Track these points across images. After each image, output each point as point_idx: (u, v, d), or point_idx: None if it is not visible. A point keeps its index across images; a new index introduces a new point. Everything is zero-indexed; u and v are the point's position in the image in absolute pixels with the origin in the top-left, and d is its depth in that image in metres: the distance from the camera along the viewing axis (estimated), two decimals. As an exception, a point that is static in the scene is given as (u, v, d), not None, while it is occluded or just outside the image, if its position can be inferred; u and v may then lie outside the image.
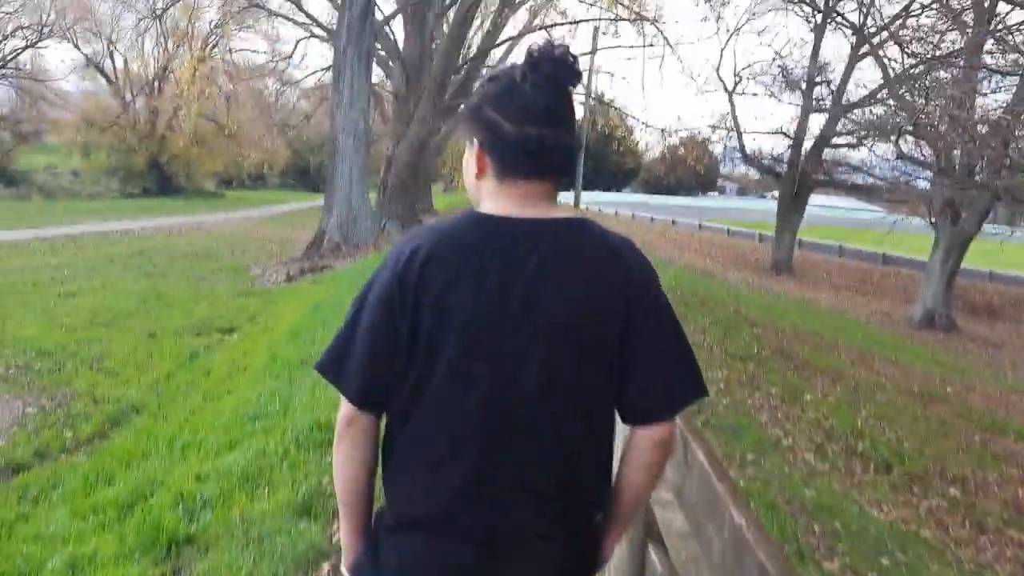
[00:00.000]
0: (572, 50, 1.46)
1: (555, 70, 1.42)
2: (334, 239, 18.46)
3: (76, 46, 39.27)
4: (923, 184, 22.03)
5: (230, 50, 35.56)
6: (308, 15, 22.67)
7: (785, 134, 23.78)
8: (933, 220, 18.10)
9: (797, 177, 23.50)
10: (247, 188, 50.78)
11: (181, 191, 40.79)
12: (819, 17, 23.10)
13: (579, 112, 28.21)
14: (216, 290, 14.47)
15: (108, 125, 38.42)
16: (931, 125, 18.07)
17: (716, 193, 67.37)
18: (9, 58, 40.83)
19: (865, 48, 22.32)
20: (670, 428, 1.48)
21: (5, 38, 40.16)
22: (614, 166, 57.12)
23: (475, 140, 1.48)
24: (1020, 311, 21.16)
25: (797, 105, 24.53)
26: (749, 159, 24.41)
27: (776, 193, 61.74)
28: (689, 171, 29.02)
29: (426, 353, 1.38)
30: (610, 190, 58.41)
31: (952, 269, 17.99)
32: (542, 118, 1.42)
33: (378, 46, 24.11)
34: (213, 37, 34.65)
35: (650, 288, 1.46)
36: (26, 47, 39.95)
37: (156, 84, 38.54)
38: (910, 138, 22.00)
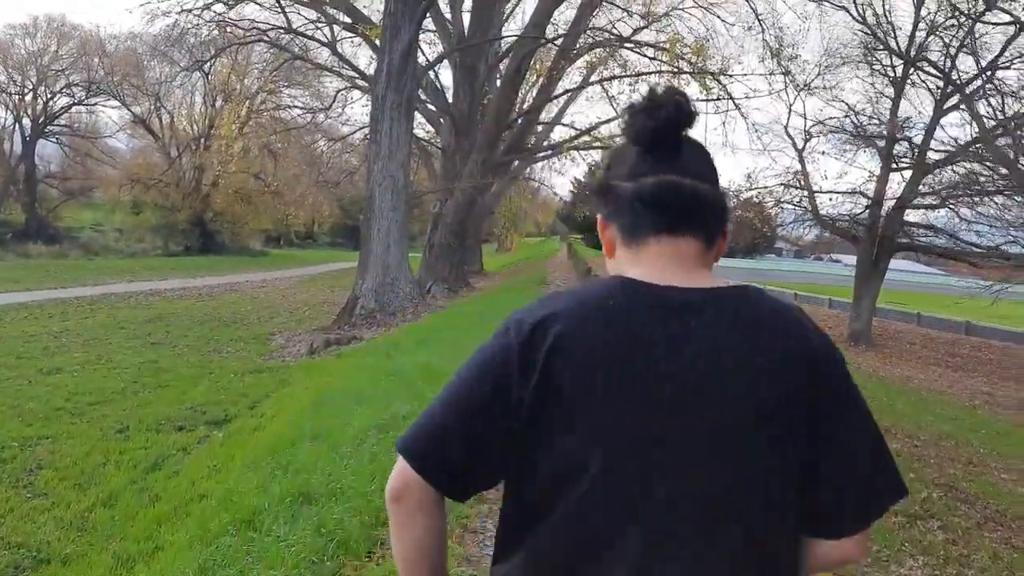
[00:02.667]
0: (684, 93, 1.25)
1: (662, 114, 1.21)
2: (368, 306, 16.75)
3: (124, 103, 38.90)
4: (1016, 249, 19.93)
5: (276, 106, 34.84)
6: (348, 63, 21.36)
7: (863, 194, 21.73)
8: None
9: (877, 240, 21.36)
10: (295, 247, 49.94)
11: (225, 250, 39.87)
12: (900, 69, 21.23)
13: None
14: (226, 365, 12.73)
15: (153, 182, 37.75)
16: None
17: (773, 255, 64.88)
18: (57, 114, 40.77)
19: (953, 100, 20.37)
20: (864, 541, 1.19)
21: (54, 96, 40.17)
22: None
23: (600, 216, 1.29)
24: None
25: (874, 156, 22.58)
26: (823, 221, 22.30)
27: (834, 255, 59.34)
28: (756, 233, 26.94)
29: (554, 450, 1.10)
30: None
31: (1071, 347, 15.62)
32: (660, 165, 1.21)
33: (424, 97, 22.83)
34: (260, 93, 34.00)
35: (841, 367, 1.17)
36: (73, 104, 39.83)
37: (202, 141, 37.81)
38: (998, 199, 19.96)
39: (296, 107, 31.07)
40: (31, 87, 40.03)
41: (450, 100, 22.30)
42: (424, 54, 21.96)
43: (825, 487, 1.14)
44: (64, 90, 40.39)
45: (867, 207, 21.83)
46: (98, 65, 38.33)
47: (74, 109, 41.86)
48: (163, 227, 38.94)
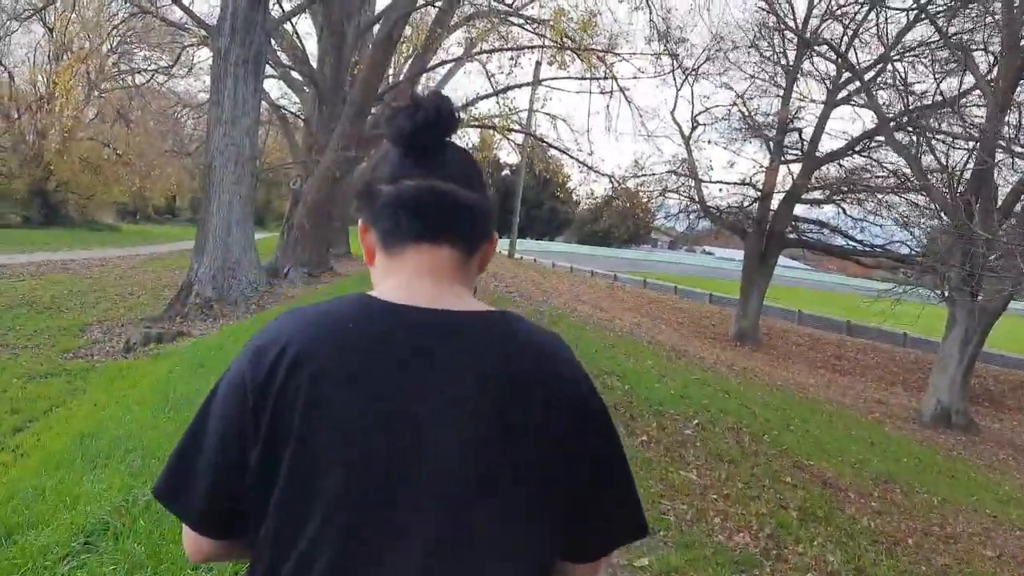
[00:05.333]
0: (447, 97, 1.15)
1: (420, 116, 1.11)
2: (204, 294, 13.68)
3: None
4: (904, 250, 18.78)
5: (130, 70, 30.41)
6: (189, 12, 17.87)
7: (752, 185, 19.99)
8: (948, 293, 14.25)
9: (766, 235, 19.67)
10: (153, 222, 44.86)
11: (72, 223, 34.88)
12: (793, 55, 19.54)
13: (515, 155, 24.00)
14: (14, 365, 9.99)
15: (-14, 147, 32.51)
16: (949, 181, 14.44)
17: (648, 246, 63.73)
18: None
19: (846, 92, 18.83)
20: (599, 567, 1.17)
21: None
22: (548, 214, 53.00)
23: (360, 220, 1.20)
24: (1021, 397, 17.56)
25: (762, 147, 21.03)
26: (710, 212, 20.45)
27: (706, 248, 58.90)
28: (638, 223, 24.99)
29: (289, 491, 0.99)
30: (543, 238, 54.17)
31: (973, 355, 14.15)
32: (421, 169, 1.12)
33: (285, 59, 19.64)
34: (111, 54, 29.62)
35: (590, 406, 1.08)
36: None
37: (45, 103, 32.65)
38: (893, 198, 18.62)
39: (147, 70, 26.79)
40: None
41: (315, 66, 19.16)
42: (281, 6, 18.72)
43: (579, 524, 1.08)
44: None
45: (756, 199, 20.15)
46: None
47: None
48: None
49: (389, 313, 1.03)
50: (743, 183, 19.94)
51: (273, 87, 22.42)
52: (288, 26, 19.06)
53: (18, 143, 32.74)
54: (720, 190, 20.28)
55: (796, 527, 4.55)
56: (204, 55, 22.16)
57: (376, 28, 19.29)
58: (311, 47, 20.26)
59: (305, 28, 20.74)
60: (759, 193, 19.85)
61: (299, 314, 1.07)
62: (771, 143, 20.28)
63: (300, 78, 20.70)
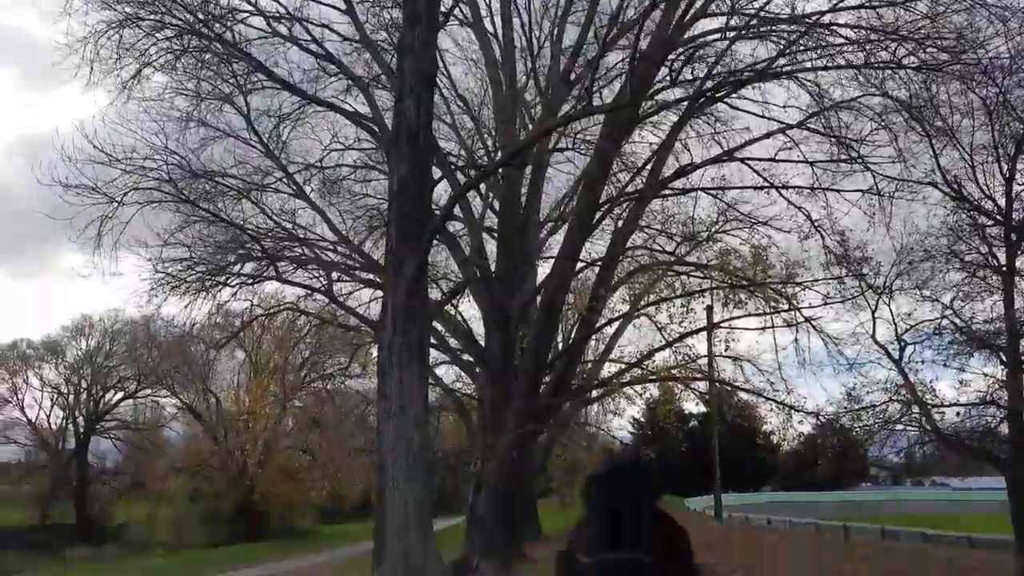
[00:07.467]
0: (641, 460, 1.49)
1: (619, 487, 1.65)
2: (387, 608, 11.86)
3: (173, 392, 36.13)
4: None
5: (320, 375, 31.62)
6: (360, 316, 17.91)
7: (995, 403, 16.57)
8: None
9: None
10: (350, 519, 44.36)
11: (274, 532, 35.02)
12: (1004, 255, 16.86)
13: (700, 404, 21.43)
14: None
15: (197, 470, 33.98)
16: None
17: (867, 484, 56.52)
18: (109, 409, 38.34)
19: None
20: None
21: (107, 391, 37.98)
22: (749, 463, 48.53)
23: None
24: None
25: (990, 360, 17.75)
26: (949, 442, 16.97)
27: (938, 478, 51.53)
28: (847, 461, 21.53)
29: None
30: (747, 491, 49.23)
31: None
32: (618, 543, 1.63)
33: (454, 343, 19.14)
34: (303, 367, 31.06)
35: None
36: (124, 398, 37.48)
37: (246, 420, 34.18)
38: None
39: (333, 375, 27.63)
40: (85, 386, 38.06)
41: (483, 343, 18.63)
42: (441, 290, 18.57)
43: None
44: (117, 384, 38.27)
45: (1003, 419, 16.62)
46: (147, 357, 36.17)
47: (131, 402, 39.65)
48: (210, 515, 34.67)
49: None
50: (984, 403, 16.58)
51: (448, 372, 22.10)
52: (452, 310, 18.87)
53: (225, 462, 34.01)
54: (957, 414, 16.94)
55: None
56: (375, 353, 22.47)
57: (538, 299, 18.70)
58: (478, 327, 19.86)
59: (470, 311, 20.61)
60: (1005, 411, 16.37)
61: None
62: (1002, 353, 17.07)
63: (471, 359, 20.18)
